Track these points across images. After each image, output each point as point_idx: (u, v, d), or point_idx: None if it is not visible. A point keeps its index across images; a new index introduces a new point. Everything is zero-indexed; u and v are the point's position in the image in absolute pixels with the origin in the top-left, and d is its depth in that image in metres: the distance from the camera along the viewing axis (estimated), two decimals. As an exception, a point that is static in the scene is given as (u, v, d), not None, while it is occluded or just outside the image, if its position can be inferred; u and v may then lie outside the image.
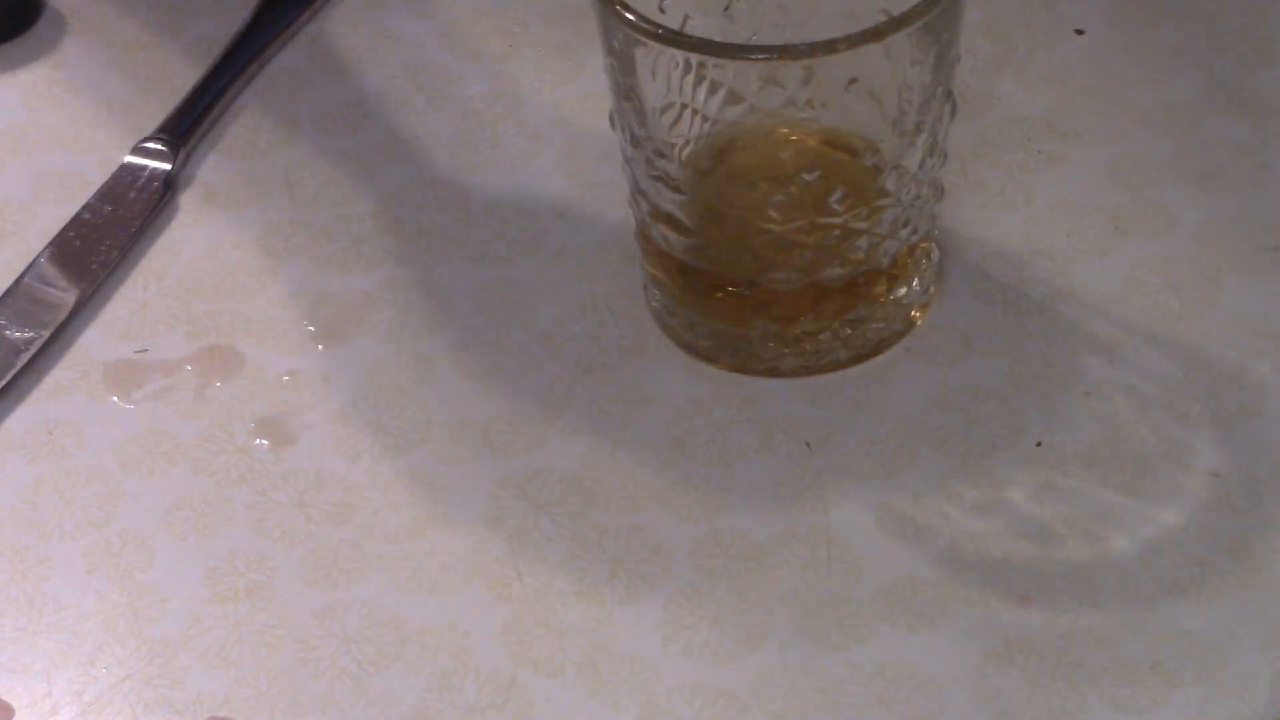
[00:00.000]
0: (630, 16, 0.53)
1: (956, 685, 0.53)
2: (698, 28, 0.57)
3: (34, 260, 0.65)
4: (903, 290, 0.59)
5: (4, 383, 0.61)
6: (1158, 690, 0.52)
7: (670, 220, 0.57)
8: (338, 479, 0.58)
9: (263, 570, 0.57)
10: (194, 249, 0.65)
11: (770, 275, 0.57)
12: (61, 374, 0.62)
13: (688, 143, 0.57)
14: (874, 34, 0.52)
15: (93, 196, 0.67)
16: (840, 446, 0.58)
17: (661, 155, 0.56)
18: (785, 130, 0.58)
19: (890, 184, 0.56)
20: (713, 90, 0.56)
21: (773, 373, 0.59)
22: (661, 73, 0.54)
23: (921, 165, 0.56)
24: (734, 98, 0.56)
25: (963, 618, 0.54)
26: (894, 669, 0.53)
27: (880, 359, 0.60)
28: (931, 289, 0.61)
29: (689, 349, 0.60)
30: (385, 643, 0.55)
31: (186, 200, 0.67)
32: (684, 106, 0.56)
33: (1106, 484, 0.56)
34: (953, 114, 0.57)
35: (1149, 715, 0.52)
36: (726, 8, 0.59)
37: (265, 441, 0.60)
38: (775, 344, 0.59)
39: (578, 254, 0.64)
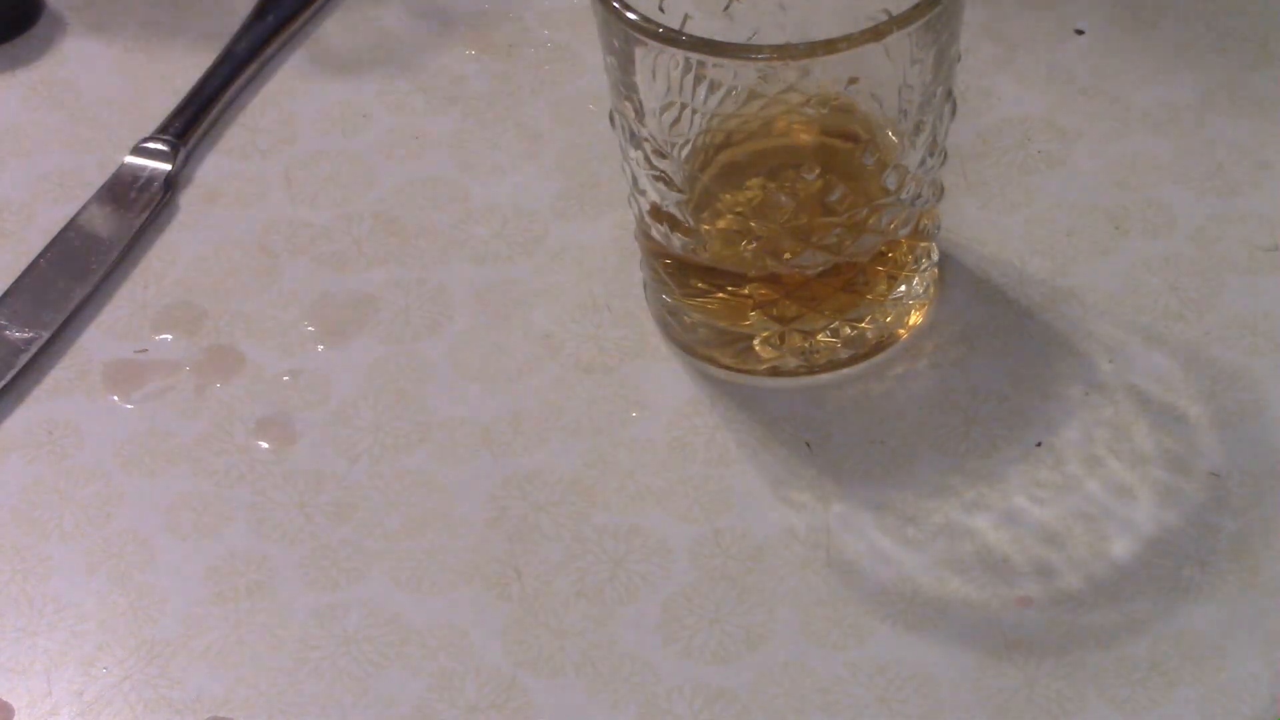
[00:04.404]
0: (630, 16, 0.53)
1: (956, 685, 0.53)
2: (698, 27, 0.57)
3: (34, 260, 0.65)
4: (903, 290, 0.59)
5: (4, 383, 0.61)
6: (1158, 690, 0.52)
7: (670, 219, 0.57)
8: (338, 479, 0.59)
9: (263, 570, 0.57)
10: (194, 249, 0.65)
11: (770, 275, 0.57)
12: (61, 374, 0.62)
13: (687, 142, 0.57)
14: (874, 33, 0.52)
15: (93, 196, 0.67)
16: (840, 446, 0.58)
17: (661, 155, 0.56)
18: (785, 129, 0.58)
19: (890, 183, 0.56)
20: (712, 89, 0.56)
21: (773, 373, 0.59)
22: (661, 72, 0.54)
23: (921, 165, 0.56)
24: (734, 97, 0.56)
25: (963, 618, 0.54)
26: (894, 669, 0.53)
27: (880, 359, 0.60)
28: (931, 289, 0.61)
29: (689, 349, 0.60)
30: (385, 643, 0.55)
31: (186, 200, 0.67)
32: (684, 106, 0.56)
33: (1106, 484, 0.56)
34: (953, 114, 0.57)
35: (1149, 715, 0.52)
36: (726, 7, 0.59)
37: (265, 442, 0.60)
38: (775, 344, 0.59)
39: (578, 254, 0.64)
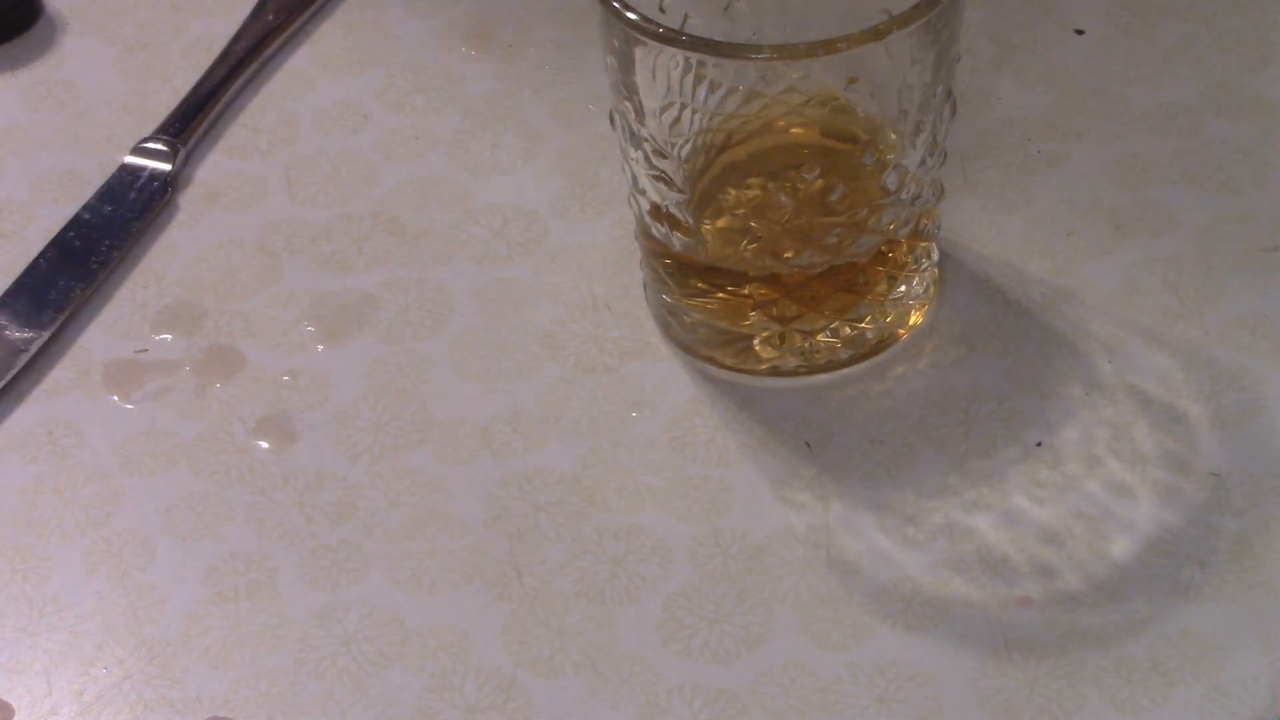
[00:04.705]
0: (630, 16, 0.53)
1: (956, 685, 0.53)
2: (698, 27, 0.57)
3: (34, 260, 0.65)
4: (903, 290, 0.59)
5: (4, 383, 0.61)
6: (1158, 690, 0.52)
7: (670, 219, 0.57)
8: (338, 479, 0.58)
9: (263, 570, 0.57)
10: (194, 249, 0.65)
11: (770, 275, 0.57)
12: (61, 374, 0.62)
13: (687, 142, 0.57)
14: (874, 33, 0.52)
15: (93, 196, 0.67)
16: (840, 446, 0.58)
17: (661, 155, 0.56)
18: (785, 129, 0.58)
19: (890, 183, 0.56)
20: (712, 89, 0.56)
21: (773, 373, 0.59)
22: (661, 72, 0.54)
23: (921, 164, 0.56)
24: (734, 97, 0.56)
25: (963, 618, 0.54)
26: (894, 669, 0.53)
27: (880, 359, 0.60)
28: (931, 289, 0.61)
29: (689, 349, 0.60)
30: (385, 643, 0.55)
31: (186, 200, 0.67)
32: (684, 106, 0.56)
33: (1106, 484, 0.56)
34: (953, 114, 0.57)
35: (1149, 715, 0.52)
36: (726, 7, 0.59)
37: (265, 442, 0.60)
38: (775, 344, 0.59)
39: (578, 254, 0.64)
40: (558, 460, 0.58)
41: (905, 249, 0.58)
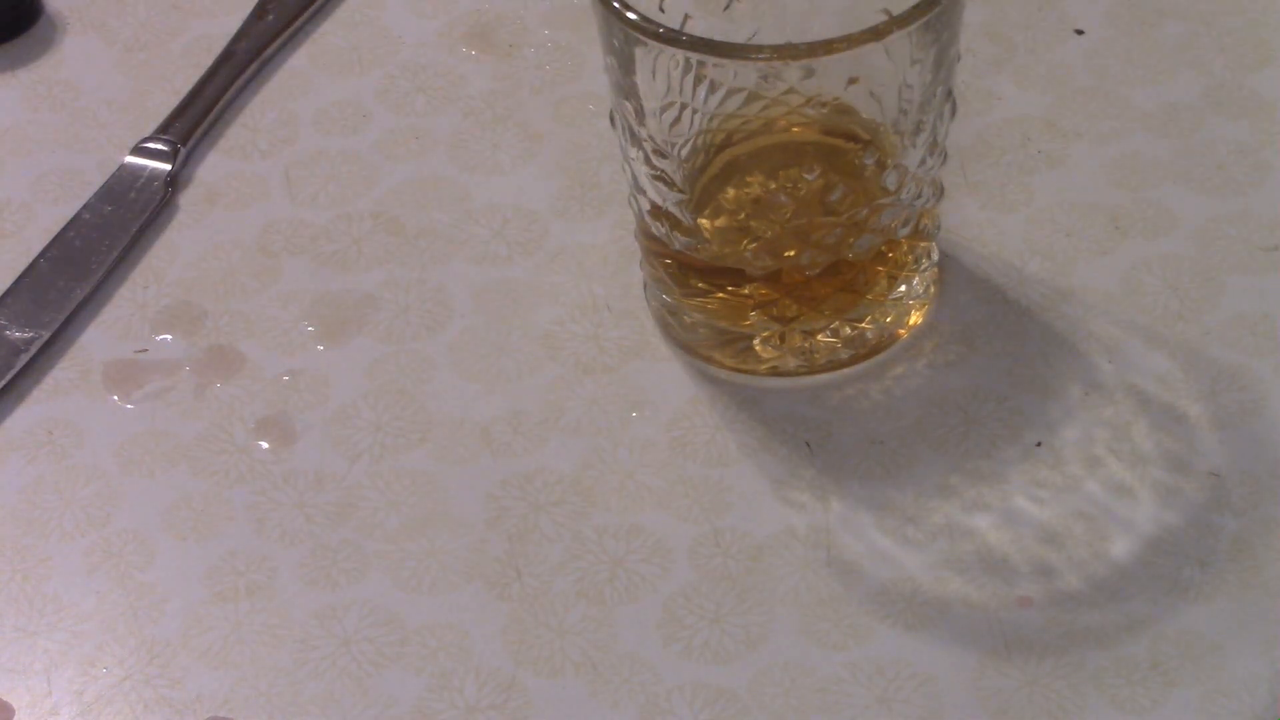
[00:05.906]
0: (630, 16, 0.53)
1: (956, 685, 0.53)
2: (698, 27, 0.57)
3: (34, 260, 0.65)
4: (903, 290, 0.59)
5: (4, 383, 0.61)
6: (1158, 690, 0.52)
7: (670, 219, 0.57)
8: (338, 479, 0.59)
9: (263, 570, 0.57)
10: (194, 249, 0.65)
11: (770, 274, 0.57)
12: (61, 374, 0.62)
13: (687, 142, 0.57)
14: (874, 33, 0.52)
15: (93, 196, 0.67)
16: (840, 446, 0.58)
17: (661, 155, 0.56)
18: (785, 129, 0.58)
19: (890, 183, 0.56)
20: (712, 89, 0.56)
21: (773, 373, 0.59)
22: (661, 72, 0.54)
23: (921, 164, 0.56)
24: (734, 97, 0.56)
25: (963, 618, 0.54)
26: (894, 669, 0.53)
27: (880, 359, 0.60)
28: (931, 289, 0.61)
29: (689, 349, 0.60)
30: (385, 643, 0.55)
31: (186, 200, 0.67)
32: (684, 106, 0.56)
33: (1106, 484, 0.56)
34: (953, 114, 0.57)
35: (1149, 715, 0.52)
36: (726, 7, 0.59)
37: (265, 442, 0.60)
38: (775, 344, 0.59)
39: (578, 254, 0.64)
40: (558, 460, 0.58)
41: (905, 249, 0.58)
